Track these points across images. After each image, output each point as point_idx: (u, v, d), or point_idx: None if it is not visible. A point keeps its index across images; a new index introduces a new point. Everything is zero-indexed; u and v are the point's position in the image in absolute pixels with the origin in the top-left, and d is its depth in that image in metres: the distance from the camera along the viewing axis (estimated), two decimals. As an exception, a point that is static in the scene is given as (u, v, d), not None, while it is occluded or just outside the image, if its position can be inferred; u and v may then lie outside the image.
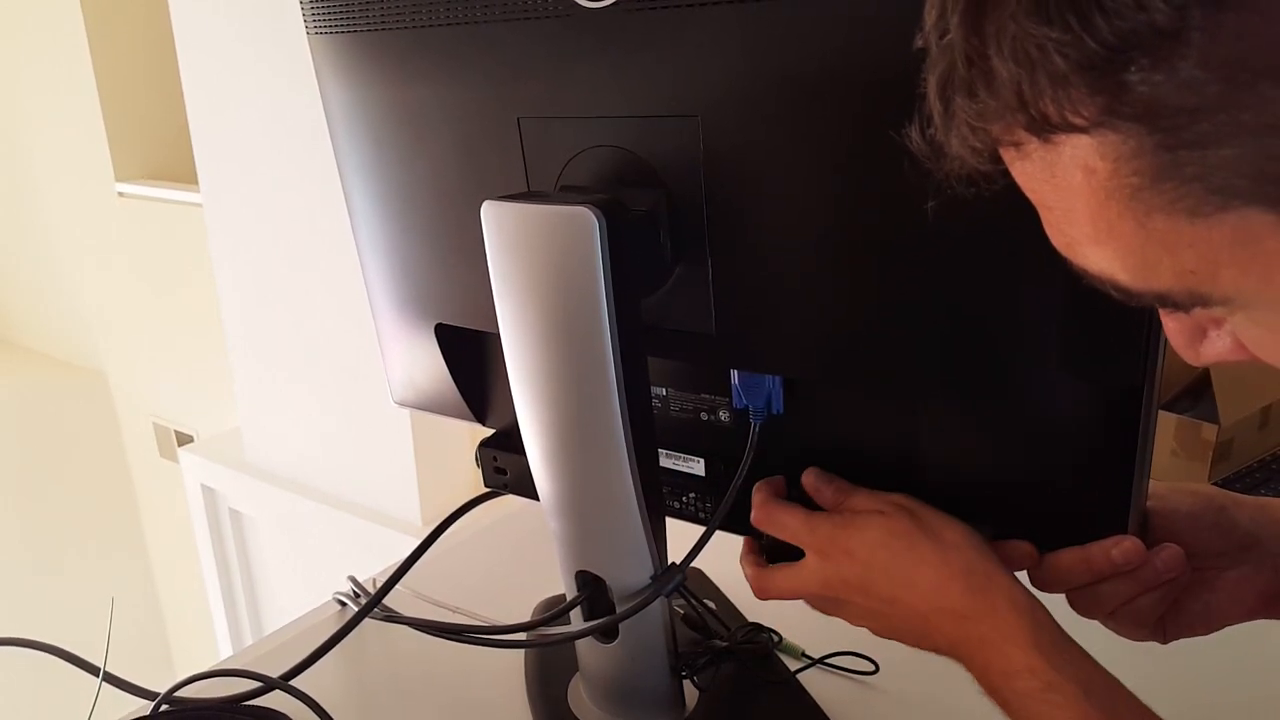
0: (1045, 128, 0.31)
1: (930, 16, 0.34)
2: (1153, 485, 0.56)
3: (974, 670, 0.54)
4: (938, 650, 0.56)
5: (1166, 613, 0.58)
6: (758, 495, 0.62)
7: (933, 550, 0.55)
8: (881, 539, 0.56)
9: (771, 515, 0.61)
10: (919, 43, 0.35)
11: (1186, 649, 0.59)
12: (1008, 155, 0.35)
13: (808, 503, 0.62)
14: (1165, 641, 0.59)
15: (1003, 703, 0.52)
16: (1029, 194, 0.36)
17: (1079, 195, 0.32)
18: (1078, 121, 0.30)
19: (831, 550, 0.58)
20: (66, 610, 2.31)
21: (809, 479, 0.62)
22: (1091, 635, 0.54)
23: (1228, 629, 0.59)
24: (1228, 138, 0.28)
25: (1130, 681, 0.51)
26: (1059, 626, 0.52)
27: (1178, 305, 0.34)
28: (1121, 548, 0.53)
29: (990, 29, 0.31)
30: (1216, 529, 0.57)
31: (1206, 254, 0.31)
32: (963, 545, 0.55)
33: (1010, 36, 0.30)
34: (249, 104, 1.45)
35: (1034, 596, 0.54)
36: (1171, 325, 0.38)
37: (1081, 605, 0.56)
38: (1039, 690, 0.50)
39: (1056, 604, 0.55)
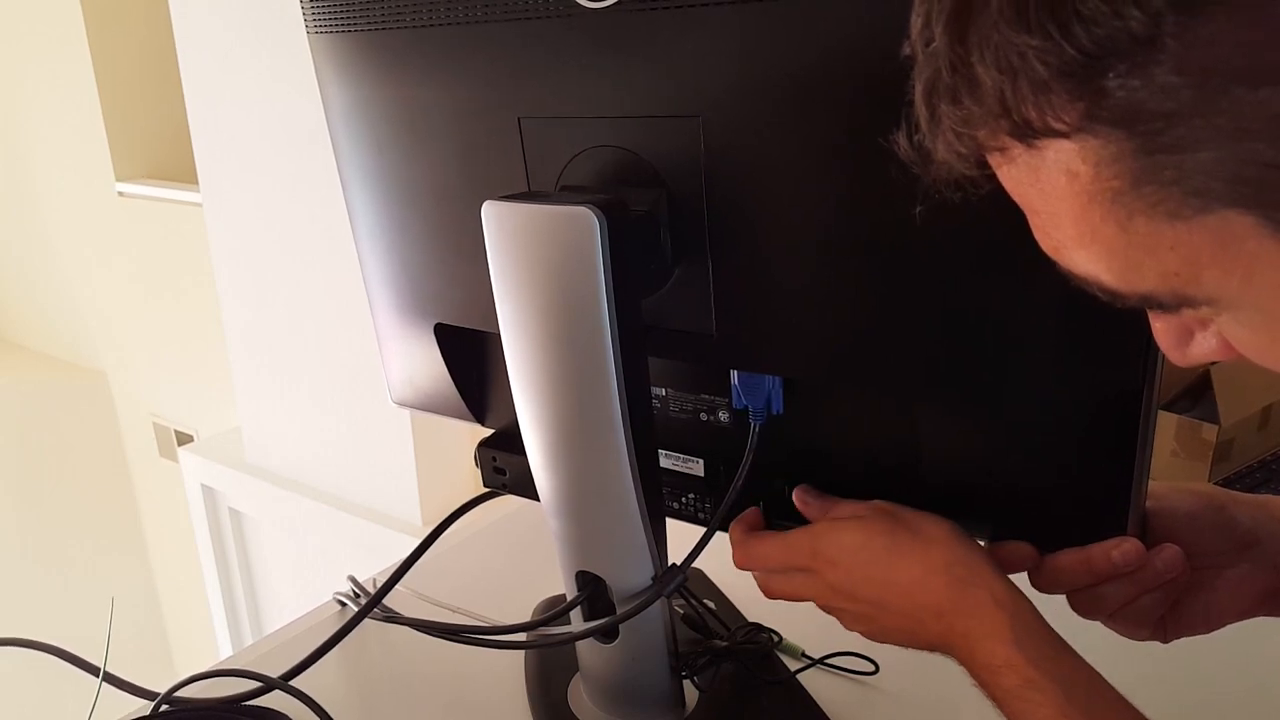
0: (1028, 133, 0.32)
1: (915, 25, 0.34)
2: (1152, 485, 0.56)
3: (964, 664, 0.54)
4: (931, 648, 0.56)
5: (1167, 612, 0.57)
6: (734, 535, 0.63)
7: (913, 546, 0.55)
8: (861, 541, 0.57)
9: (749, 552, 0.62)
10: (906, 50, 0.35)
11: (1187, 647, 0.59)
12: (993, 160, 0.35)
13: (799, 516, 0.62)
14: (1166, 641, 0.59)
15: (990, 697, 0.52)
16: (1015, 198, 0.36)
17: (1063, 199, 0.33)
18: (1059, 126, 0.31)
19: (814, 564, 0.58)
20: (66, 610, 2.31)
21: (799, 495, 0.62)
22: (1091, 634, 0.54)
23: (1228, 627, 0.59)
24: (1203, 141, 0.29)
25: (1130, 680, 0.51)
26: (1042, 621, 0.53)
27: (1163, 306, 0.35)
28: (1122, 549, 0.53)
29: (973, 37, 0.31)
30: (1216, 528, 0.57)
31: (1188, 256, 0.32)
32: (944, 539, 0.55)
33: (992, 44, 0.31)
34: (249, 104, 1.45)
35: (1018, 591, 0.54)
36: (1159, 326, 0.39)
37: (1082, 606, 0.56)
38: (1019, 686, 0.50)
39: (1057, 603, 0.55)
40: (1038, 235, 0.37)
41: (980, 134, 0.33)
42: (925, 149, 0.36)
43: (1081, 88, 0.30)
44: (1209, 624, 0.58)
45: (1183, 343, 0.38)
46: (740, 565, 0.62)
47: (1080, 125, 0.30)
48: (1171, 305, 0.34)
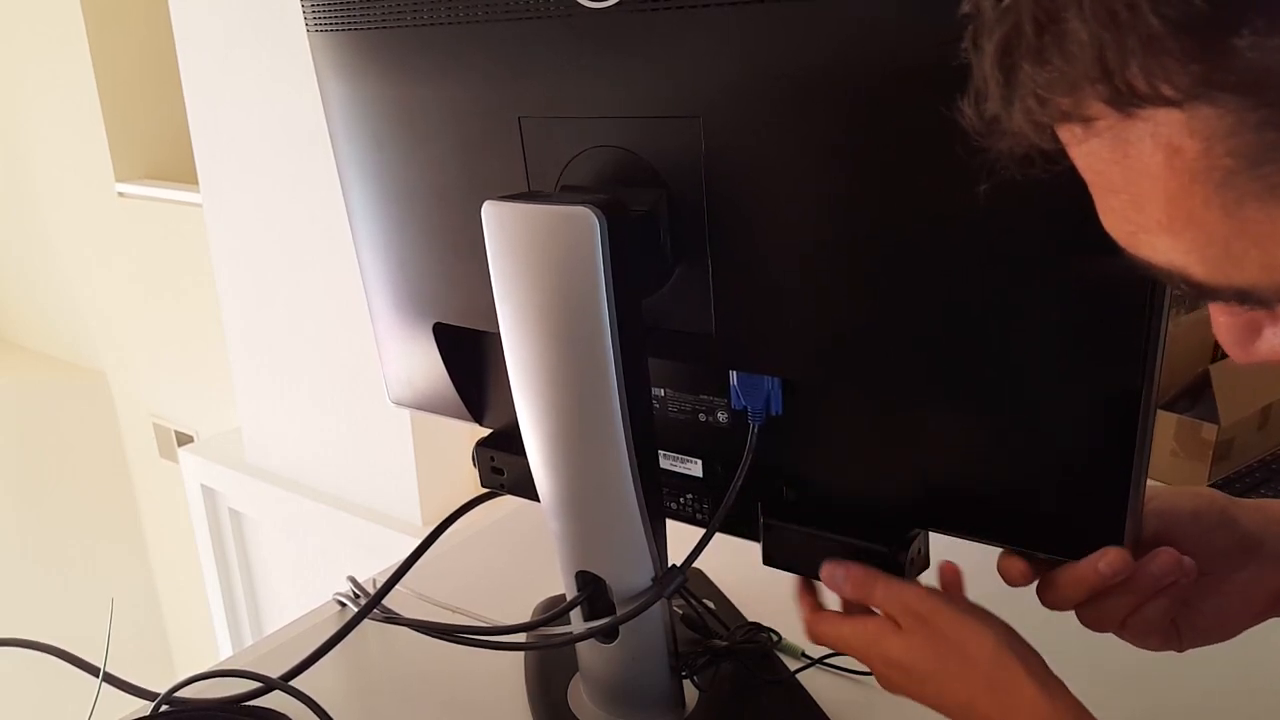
0: (1130, 100, 0.27)
1: None
2: (1155, 487, 0.56)
3: None
4: None
5: (1180, 621, 0.57)
6: (802, 602, 0.63)
7: (958, 667, 0.55)
8: (906, 662, 0.56)
9: (816, 635, 0.62)
10: (965, 8, 0.31)
11: (1197, 652, 0.59)
12: (1069, 132, 0.30)
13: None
14: (1181, 650, 0.59)
15: None
16: (1089, 175, 0.32)
17: (1156, 178, 0.29)
18: (1169, 93, 0.26)
19: (867, 657, 0.59)
20: (66, 610, 2.31)
21: (826, 572, 0.61)
22: (1105, 643, 0.54)
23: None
24: None
25: (1141, 685, 0.51)
26: None
27: (1260, 302, 0.31)
28: (1106, 560, 0.53)
29: None
30: (1220, 530, 0.57)
31: None
32: (981, 658, 0.54)
33: None
34: (249, 104, 1.45)
35: (1057, 697, 0.53)
36: (1223, 320, 0.35)
37: (1089, 621, 0.56)
38: None
39: (1068, 618, 0.56)
40: (1109, 218, 0.32)
41: (1066, 101, 0.29)
42: (994, 119, 0.32)
43: (1203, 47, 0.25)
44: (1223, 630, 0.58)
45: (1249, 339, 0.35)
46: (811, 639, 0.63)
47: (1194, 92, 0.26)
48: (1271, 301, 0.31)
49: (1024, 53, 0.29)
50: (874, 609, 0.60)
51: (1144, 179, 0.29)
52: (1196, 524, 0.57)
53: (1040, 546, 0.56)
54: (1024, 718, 0.52)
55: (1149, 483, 0.55)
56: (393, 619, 0.83)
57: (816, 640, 0.62)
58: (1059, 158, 0.31)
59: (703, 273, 0.58)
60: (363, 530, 1.57)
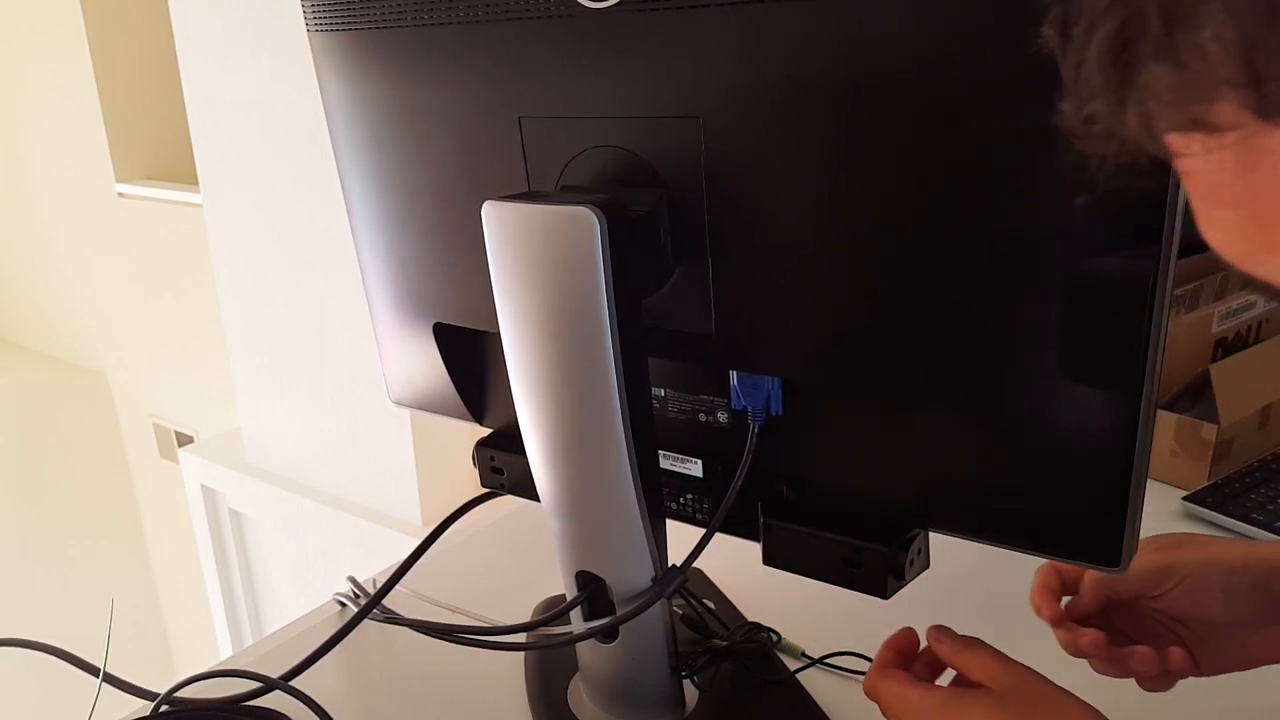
0: (1278, 110, 0.23)
1: None
2: (1185, 564, 0.59)
3: None
4: None
5: (1200, 658, 0.59)
6: (879, 657, 0.59)
7: None
8: None
9: (876, 687, 0.57)
10: None
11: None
12: (1186, 140, 0.26)
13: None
14: (1201, 675, 0.60)
15: None
16: (1199, 187, 0.27)
17: None
18: None
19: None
20: (66, 610, 2.31)
21: (931, 632, 0.58)
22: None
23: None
24: None
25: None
26: None
27: None
28: (1086, 640, 0.57)
29: None
30: (1251, 598, 0.58)
31: None
32: None
33: None
34: (249, 104, 1.45)
35: None
36: None
37: (1099, 670, 0.60)
38: None
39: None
40: (1215, 233, 0.28)
41: (1197, 108, 0.24)
42: (1090, 118, 0.28)
43: None
44: (1246, 665, 0.60)
45: None
46: (868, 693, 0.58)
47: None
48: None
49: (1148, 49, 0.25)
50: (960, 674, 0.57)
51: (1275, 195, 0.25)
52: (1227, 598, 0.58)
53: (1040, 547, 0.56)
54: None
55: (1177, 560, 0.59)
56: (393, 619, 0.83)
57: (870, 692, 0.57)
58: (1170, 168, 0.27)
59: (703, 273, 0.58)
60: (363, 530, 1.57)
